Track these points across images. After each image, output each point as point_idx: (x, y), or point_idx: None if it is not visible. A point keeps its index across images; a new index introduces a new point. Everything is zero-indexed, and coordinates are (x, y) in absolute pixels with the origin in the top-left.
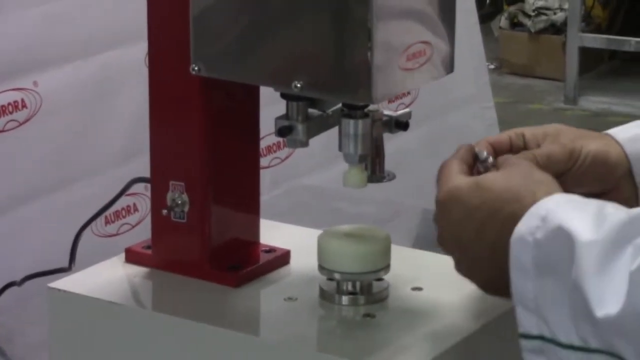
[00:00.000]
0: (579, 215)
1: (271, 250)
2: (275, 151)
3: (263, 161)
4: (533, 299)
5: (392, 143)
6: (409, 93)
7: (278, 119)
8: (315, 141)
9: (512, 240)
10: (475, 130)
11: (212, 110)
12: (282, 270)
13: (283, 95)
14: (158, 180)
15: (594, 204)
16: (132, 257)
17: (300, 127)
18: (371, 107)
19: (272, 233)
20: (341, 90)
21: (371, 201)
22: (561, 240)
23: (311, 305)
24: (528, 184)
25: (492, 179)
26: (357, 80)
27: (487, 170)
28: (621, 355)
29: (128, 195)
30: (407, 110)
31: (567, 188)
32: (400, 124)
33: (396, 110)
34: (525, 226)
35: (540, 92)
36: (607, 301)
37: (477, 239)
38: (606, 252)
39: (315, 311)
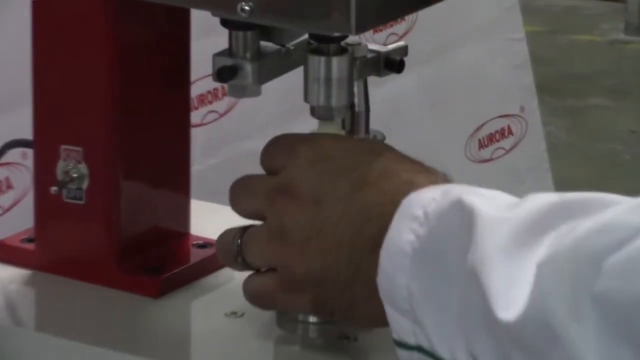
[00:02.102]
0: (489, 195)
1: (207, 244)
2: (211, 102)
3: (194, 116)
4: (407, 296)
5: (381, 90)
6: (402, 19)
7: (217, 56)
8: (269, 88)
9: (398, 210)
10: (496, 71)
11: (123, 43)
12: (223, 273)
13: (224, 23)
14: (44, 144)
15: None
16: (6, 254)
17: (248, 68)
18: (350, 39)
19: (208, 219)
20: (307, 15)
21: None
22: (459, 215)
23: (264, 323)
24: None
25: None
26: (330, 1)
27: None
28: None
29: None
30: (401, 43)
31: None
32: (393, 64)
33: (385, 44)
34: (420, 195)
35: (591, 17)
36: (511, 298)
37: (351, 195)
38: (519, 232)
39: (270, 332)
